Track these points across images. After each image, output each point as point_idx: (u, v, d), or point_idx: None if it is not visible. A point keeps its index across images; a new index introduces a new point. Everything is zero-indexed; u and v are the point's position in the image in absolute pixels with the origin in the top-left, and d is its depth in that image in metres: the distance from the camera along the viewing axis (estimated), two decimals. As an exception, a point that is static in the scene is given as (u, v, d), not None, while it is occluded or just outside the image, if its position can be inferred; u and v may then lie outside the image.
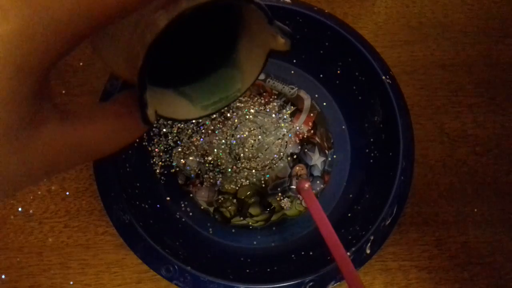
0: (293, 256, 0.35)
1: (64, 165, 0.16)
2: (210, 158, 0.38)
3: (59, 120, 0.15)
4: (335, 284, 0.34)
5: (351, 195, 0.37)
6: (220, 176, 0.38)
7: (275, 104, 0.39)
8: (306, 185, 0.34)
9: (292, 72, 0.40)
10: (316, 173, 0.38)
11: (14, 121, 0.13)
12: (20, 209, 0.37)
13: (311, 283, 0.33)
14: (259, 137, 0.39)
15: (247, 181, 0.38)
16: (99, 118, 0.17)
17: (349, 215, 0.36)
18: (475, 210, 0.38)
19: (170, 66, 0.20)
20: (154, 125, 0.38)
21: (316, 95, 0.40)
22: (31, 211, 0.37)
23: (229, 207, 0.38)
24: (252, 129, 0.39)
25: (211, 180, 0.38)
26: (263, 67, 0.20)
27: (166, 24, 0.14)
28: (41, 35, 0.12)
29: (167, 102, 0.19)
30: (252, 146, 0.38)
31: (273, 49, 0.19)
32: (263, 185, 0.38)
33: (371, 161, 0.37)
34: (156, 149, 0.38)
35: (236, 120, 0.39)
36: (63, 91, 0.39)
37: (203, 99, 0.20)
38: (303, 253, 0.35)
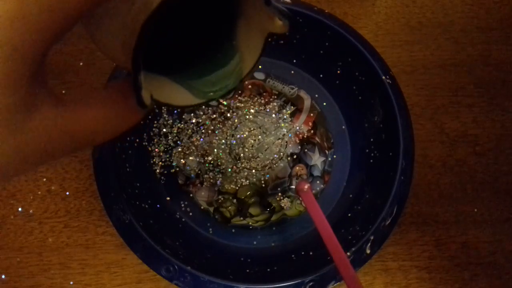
0: (293, 256, 0.35)
1: (60, 151, 0.16)
2: (210, 158, 0.38)
3: (54, 105, 0.15)
4: (335, 284, 0.34)
5: (351, 195, 0.37)
6: (220, 176, 0.38)
7: (275, 104, 0.39)
8: (306, 187, 0.34)
9: (292, 72, 0.40)
10: (316, 173, 0.38)
11: (9, 104, 0.13)
12: (20, 209, 0.37)
13: (311, 283, 0.33)
14: (259, 137, 0.39)
15: (247, 181, 0.38)
16: (94, 103, 0.16)
17: (349, 215, 0.36)
18: (475, 210, 0.38)
19: (168, 53, 0.20)
20: (154, 125, 0.38)
21: (316, 95, 0.40)
22: (31, 211, 0.37)
23: (229, 207, 0.38)
24: (252, 129, 0.39)
25: (211, 180, 0.38)
26: (262, 52, 0.20)
27: (160, 3, 0.14)
28: (36, 15, 0.12)
29: (164, 88, 0.18)
30: (252, 146, 0.38)
31: (271, 31, 0.19)
32: (263, 185, 0.38)
33: (371, 161, 0.37)
34: (156, 149, 0.38)
35: (236, 120, 0.39)
36: (63, 91, 0.39)
37: (201, 86, 0.20)
38: (303, 253, 0.35)
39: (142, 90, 0.16)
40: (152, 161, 0.38)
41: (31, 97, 0.14)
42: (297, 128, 0.39)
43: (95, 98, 0.17)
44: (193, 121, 0.38)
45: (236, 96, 0.39)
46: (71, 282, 0.36)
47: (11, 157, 0.14)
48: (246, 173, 0.38)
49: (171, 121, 0.38)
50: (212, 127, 0.38)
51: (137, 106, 0.16)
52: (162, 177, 0.38)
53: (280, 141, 0.39)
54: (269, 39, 0.19)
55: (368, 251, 0.34)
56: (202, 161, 0.38)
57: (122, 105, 0.17)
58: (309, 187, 0.34)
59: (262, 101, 0.39)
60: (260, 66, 0.40)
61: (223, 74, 0.20)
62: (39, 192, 0.37)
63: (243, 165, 0.38)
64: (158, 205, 0.37)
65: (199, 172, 0.38)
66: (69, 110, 0.15)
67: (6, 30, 0.12)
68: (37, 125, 0.14)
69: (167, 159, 0.38)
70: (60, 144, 0.15)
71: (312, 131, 0.39)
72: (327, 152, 0.39)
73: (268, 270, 0.34)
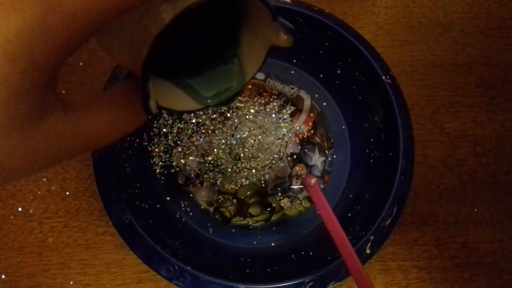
0: (293, 256, 0.35)
1: (67, 155, 0.16)
2: (210, 158, 0.38)
3: (63, 112, 0.15)
4: (335, 284, 0.34)
5: (351, 195, 0.37)
6: (220, 176, 0.38)
7: (275, 104, 0.39)
8: (313, 181, 0.34)
9: (292, 72, 0.40)
10: (316, 173, 0.38)
11: (24, 111, 0.13)
12: (20, 209, 0.37)
13: (311, 283, 0.33)
14: (259, 137, 0.39)
15: (247, 181, 0.38)
16: (100, 108, 0.17)
17: (349, 215, 0.36)
18: (475, 210, 0.38)
19: (171, 59, 0.20)
20: (154, 125, 0.38)
21: (316, 95, 0.40)
22: (31, 211, 0.37)
23: (229, 207, 0.38)
24: (252, 129, 0.39)
25: (211, 180, 0.38)
26: (264, 62, 0.20)
27: (172, 19, 0.14)
28: (54, 29, 0.12)
29: (166, 93, 0.19)
30: (252, 146, 0.38)
31: (275, 45, 0.19)
32: (263, 185, 0.38)
33: (371, 161, 0.37)
34: (156, 149, 0.38)
35: (236, 120, 0.39)
36: (63, 91, 0.39)
37: (203, 92, 0.20)
38: (303, 253, 0.35)
39: (150, 99, 0.16)
40: (152, 161, 0.38)
41: (42, 105, 0.14)
42: (297, 128, 0.39)
43: (101, 103, 0.17)
44: (193, 121, 0.38)
45: (236, 96, 0.39)
46: (71, 282, 0.36)
47: (22, 160, 0.15)
48: (246, 173, 0.38)
49: (171, 121, 0.38)
50: (212, 127, 0.38)
51: (143, 111, 0.17)
52: (162, 177, 0.38)
53: (280, 141, 0.39)
54: (272, 51, 0.19)
55: (368, 251, 0.34)
56: (202, 161, 0.38)
57: (127, 109, 0.18)
58: (316, 182, 0.34)
59: (262, 101, 0.39)
60: (260, 66, 0.39)
61: (224, 81, 0.21)
62: (39, 192, 0.37)
63: (243, 165, 0.38)
64: (158, 205, 0.37)
65: (199, 172, 0.38)
66: (77, 115, 0.16)
67: (25, 43, 0.12)
68: (47, 130, 0.15)
69: (167, 159, 0.38)
70: (68, 148, 0.16)
71: (312, 131, 0.39)
72: (327, 152, 0.39)
73: (268, 270, 0.34)
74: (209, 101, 0.20)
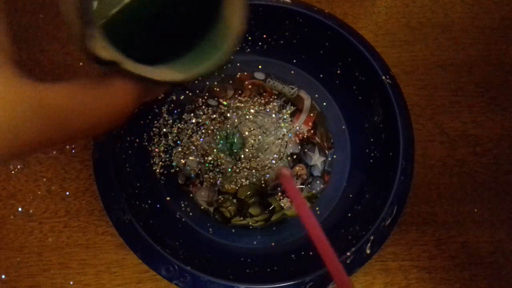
0: (293, 256, 0.35)
1: (37, 136, 0.15)
2: (210, 158, 0.38)
3: (11, 73, 0.14)
4: (335, 284, 0.34)
5: (351, 195, 0.37)
6: (220, 176, 0.38)
7: (275, 104, 0.39)
8: (285, 171, 0.34)
9: (292, 72, 0.40)
10: (316, 173, 0.38)
11: None
12: (20, 209, 0.37)
13: (311, 283, 0.33)
14: (259, 137, 0.39)
15: (247, 181, 0.38)
16: (67, 80, 0.16)
17: (349, 215, 0.36)
18: (475, 210, 0.38)
19: (155, 48, 0.20)
20: (154, 125, 0.38)
21: (316, 95, 0.40)
22: (31, 211, 0.37)
23: (229, 207, 0.38)
24: (252, 129, 0.39)
25: (211, 180, 0.38)
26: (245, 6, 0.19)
27: None
28: None
29: (152, 69, 0.18)
30: (252, 146, 0.38)
31: None
32: (263, 185, 0.38)
33: (371, 161, 0.37)
34: (156, 149, 0.38)
35: (236, 120, 0.39)
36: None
37: (194, 64, 0.20)
38: (303, 253, 0.35)
39: (94, 40, 0.14)
40: (152, 161, 0.38)
41: None
42: (297, 128, 0.39)
43: (73, 79, 0.16)
44: (193, 121, 0.38)
45: (236, 96, 0.39)
46: (71, 282, 0.36)
47: None
48: (246, 173, 0.38)
49: (171, 121, 0.38)
50: (212, 127, 0.38)
51: (87, 58, 0.15)
52: (162, 177, 0.38)
53: (280, 141, 0.39)
54: None
55: (368, 251, 0.34)
56: (202, 161, 0.38)
57: (103, 86, 0.17)
58: (288, 171, 0.35)
59: (262, 101, 0.39)
60: (260, 66, 0.39)
61: (213, 47, 0.20)
62: (39, 192, 0.37)
63: (243, 165, 0.38)
64: (158, 205, 0.37)
65: (199, 172, 0.38)
66: (34, 82, 0.14)
67: None
68: None
69: (167, 159, 0.38)
70: (31, 125, 0.14)
71: (312, 131, 0.39)
72: (327, 152, 0.39)
73: (268, 270, 0.34)
74: (197, 71, 0.19)
